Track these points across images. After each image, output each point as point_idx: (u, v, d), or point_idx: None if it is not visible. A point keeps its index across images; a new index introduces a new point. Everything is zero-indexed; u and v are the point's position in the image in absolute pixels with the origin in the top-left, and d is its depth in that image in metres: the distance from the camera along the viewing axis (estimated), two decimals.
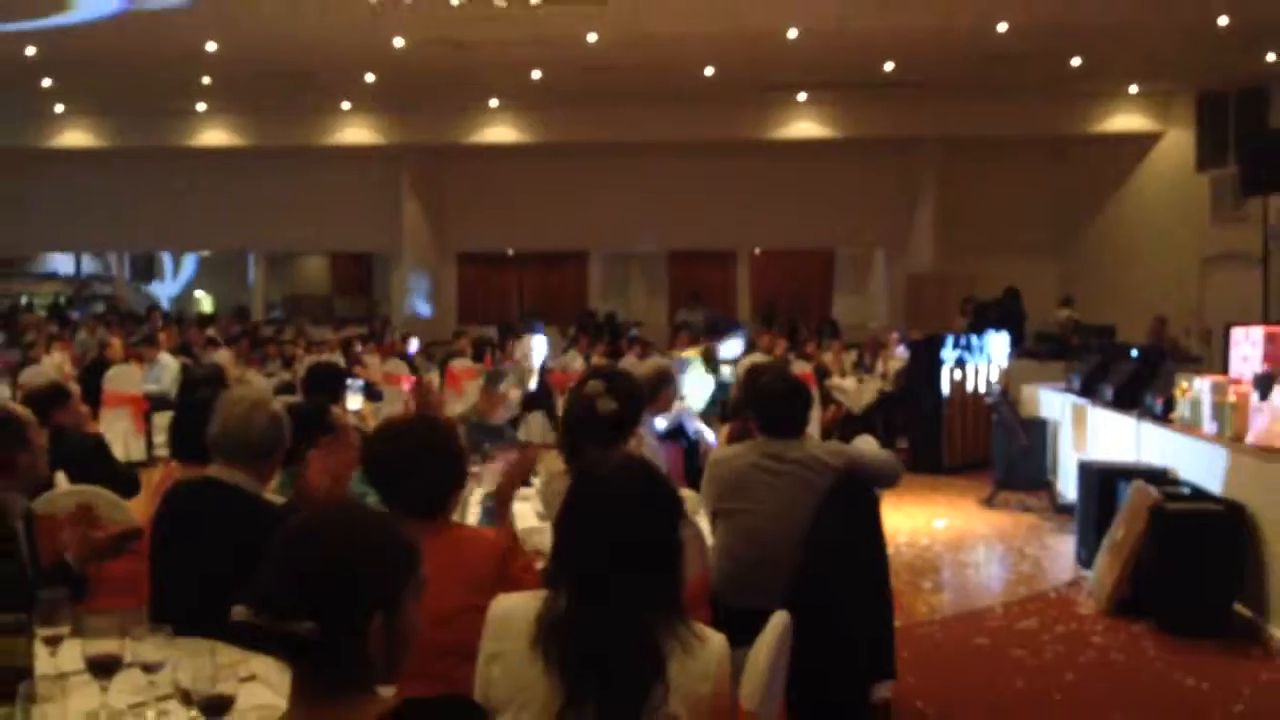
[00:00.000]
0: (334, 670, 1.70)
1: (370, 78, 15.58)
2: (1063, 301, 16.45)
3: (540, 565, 3.78)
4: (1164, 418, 7.66)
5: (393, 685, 1.78)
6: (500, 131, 18.35)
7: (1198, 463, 6.96)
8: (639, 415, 3.95)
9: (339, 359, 12.68)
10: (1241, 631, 6.11)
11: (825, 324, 17.25)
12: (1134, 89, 17.12)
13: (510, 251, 21.23)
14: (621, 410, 3.88)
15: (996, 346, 12.65)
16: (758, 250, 20.73)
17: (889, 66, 15.10)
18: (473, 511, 4.40)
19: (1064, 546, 8.27)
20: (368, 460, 3.05)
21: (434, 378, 12.64)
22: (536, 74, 15.38)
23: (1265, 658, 5.75)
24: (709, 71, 15.26)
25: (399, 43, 13.37)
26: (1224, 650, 5.88)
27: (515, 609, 2.31)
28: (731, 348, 8.33)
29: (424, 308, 20.12)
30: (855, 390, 13.26)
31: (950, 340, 12.17)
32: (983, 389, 12.02)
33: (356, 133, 18.49)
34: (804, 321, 17.57)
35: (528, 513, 4.41)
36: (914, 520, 9.26)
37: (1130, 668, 5.69)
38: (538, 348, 11.42)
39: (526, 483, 5.10)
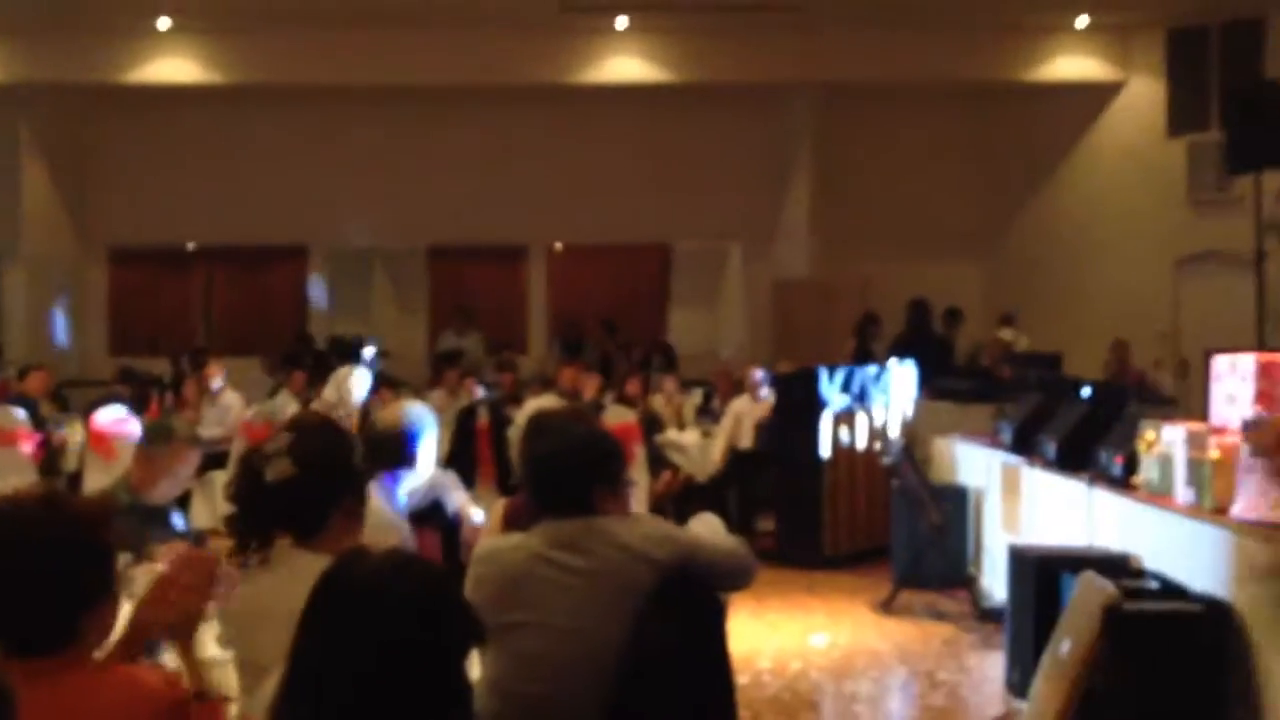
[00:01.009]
0: None
1: None
2: (1002, 320, 16.98)
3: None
4: (1124, 482, 7.96)
5: None
6: (173, 66, 18.00)
7: (1170, 545, 7.23)
8: (335, 488, 3.85)
9: None
10: None
11: (656, 352, 17.39)
12: (1083, 21, 17.80)
13: (191, 246, 20.80)
14: (302, 479, 3.83)
15: (899, 384, 12.99)
16: (559, 246, 20.81)
17: None
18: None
19: (990, 668, 8.49)
20: None
21: (71, 435, 12.25)
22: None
23: None
24: None
25: None
26: None
27: None
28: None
29: (57, 329, 19.52)
30: (699, 448, 13.43)
31: (835, 376, 12.43)
32: (879, 446, 12.31)
33: None
34: (624, 349, 17.67)
35: (206, 636, 4.32)
36: (782, 636, 9.39)
37: None
38: (359, 384, 11.46)
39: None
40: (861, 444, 12.44)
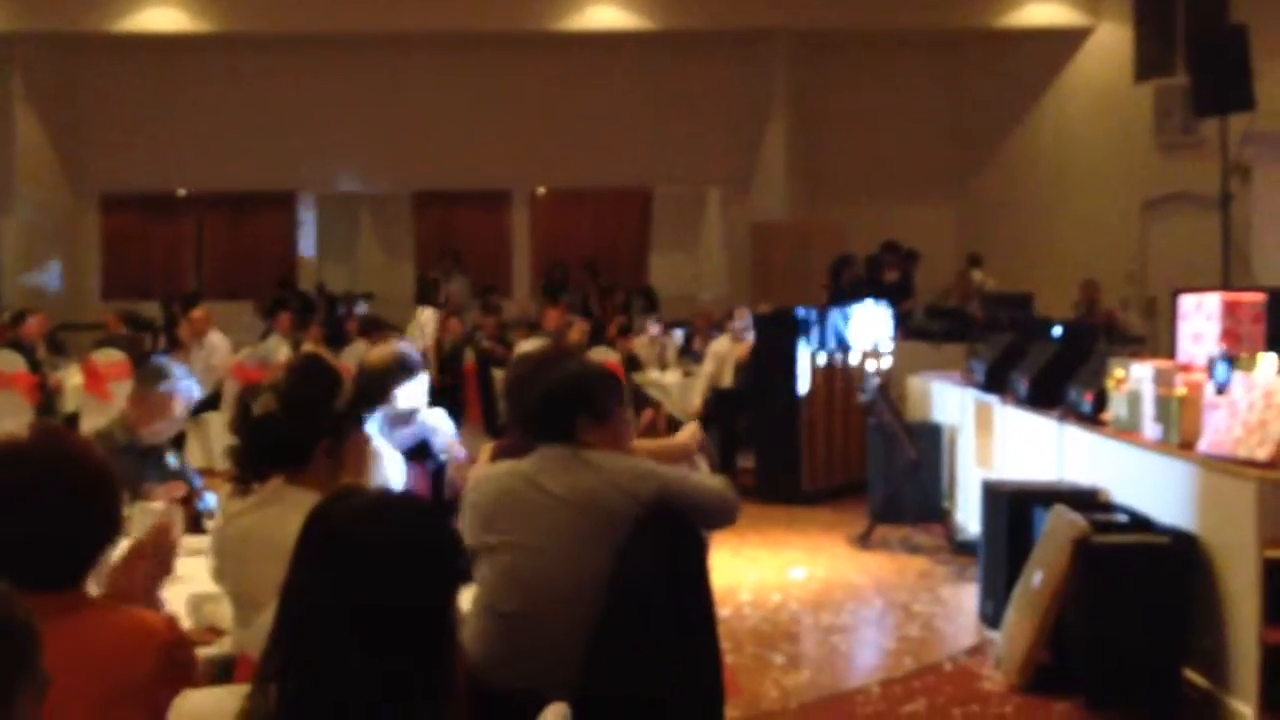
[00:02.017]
0: None
1: None
2: (969, 261, 17.04)
3: (211, 647, 3.74)
4: (1094, 419, 8.00)
5: None
6: (162, 16, 17.89)
7: (1136, 480, 7.28)
8: (313, 426, 3.86)
9: None
10: (1193, 706, 6.43)
11: (638, 294, 17.43)
12: None
13: (182, 192, 20.75)
14: (282, 415, 3.83)
15: (870, 324, 13.00)
16: (541, 190, 20.78)
17: None
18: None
19: (964, 600, 8.54)
20: None
21: (67, 377, 12.23)
22: None
23: None
24: None
25: None
26: None
27: (207, 711, 2.27)
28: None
29: (50, 274, 19.45)
30: (681, 387, 13.45)
31: (811, 316, 12.44)
32: (855, 384, 12.34)
33: None
34: (607, 292, 17.69)
35: (199, 572, 4.32)
36: (762, 570, 9.42)
37: None
38: (429, 324, 11.83)
39: (199, 527, 5.01)
40: (838, 383, 12.45)
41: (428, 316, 13.23)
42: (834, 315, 12.69)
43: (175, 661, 2.80)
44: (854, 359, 12.60)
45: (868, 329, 12.86)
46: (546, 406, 4.47)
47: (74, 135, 19.49)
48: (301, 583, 2.28)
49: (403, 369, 5.71)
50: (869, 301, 13.26)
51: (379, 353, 6.15)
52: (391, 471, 5.00)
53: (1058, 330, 10.65)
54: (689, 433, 5.01)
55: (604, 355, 12.47)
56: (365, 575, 2.24)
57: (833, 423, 12.41)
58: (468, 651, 4.04)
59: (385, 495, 2.48)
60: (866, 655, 7.82)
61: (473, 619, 4.20)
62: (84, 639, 2.71)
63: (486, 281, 18.62)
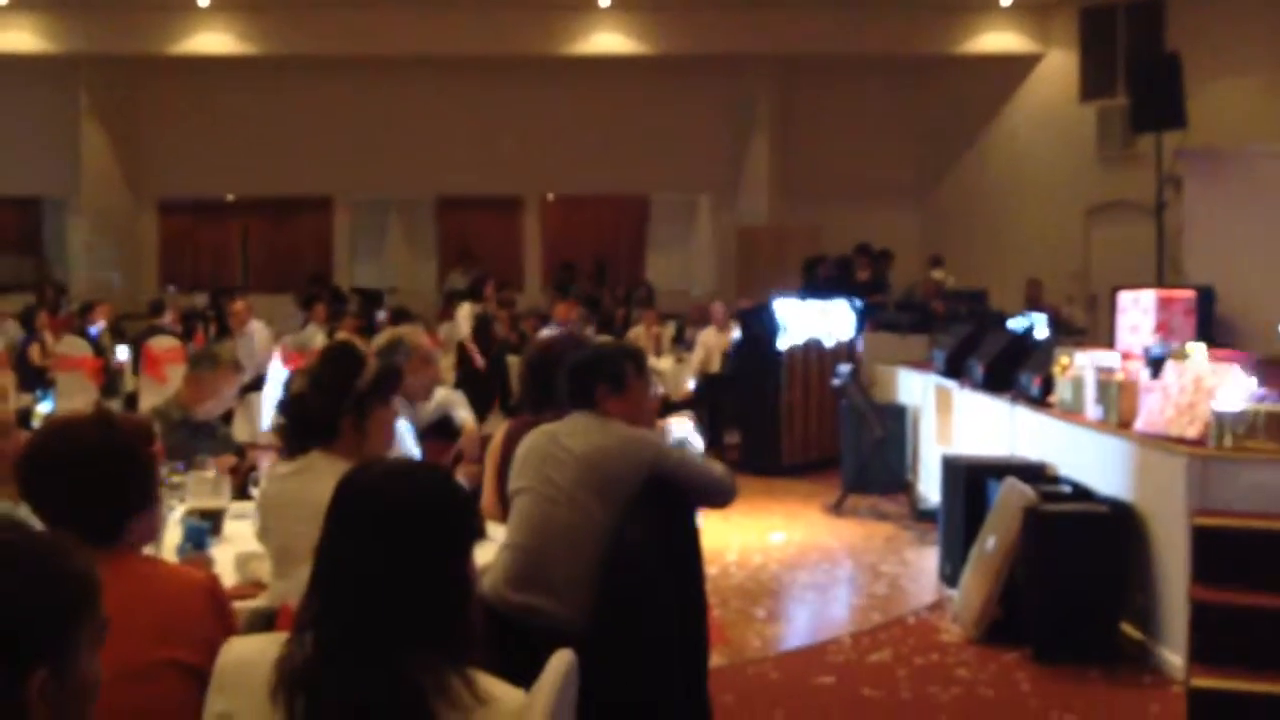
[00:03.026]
0: None
1: None
2: (932, 261, 17.02)
3: (258, 600, 3.73)
4: (1042, 401, 8.01)
5: None
6: (213, 40, 17.82)
7: (1079, 455, 7.32)
8: (336, 403, 3.88)
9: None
10: (1129, 656, 6.45)
11: (637, 289, 17.42)
12: (1007, 1, 17.81)
13: (230, 197, 20.70)
14: (310, 394, 3.86)
15: (843, 316, 13.01)
16: (551, 197, 20.75)
17: None
18: (173, 534, 4.29)
19: (926, 561, 8.57)
20: (20, 469, 2.93)
21: (126, 360, 12.25)
22: None
23: (1156, 686, 6.09)
24: None
25: None
26: (1109, 680, 6.20)
27: (252, 656, 2.28)
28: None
29: (113, 270, 19.43)
30: (674, 372, 13.45)
31: (790, 307, 12.44)
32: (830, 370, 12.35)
33: (17, 37, 17.68)
34: (610, 287, 17.69)
35: (246, 532, 4.32)
36: (745, 534, 9.44)
37: (1002, 705, 5.94)
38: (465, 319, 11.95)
39: (245, 494, 5.00)
40: (814, 369, 12.46)
41: (465, 312, 13.12)
42: (809, 308, 12.70)
43: (219, 602, 2.87)
44: (828, 347, 12.61)
45: (838, 321, 12.88)
46: (572, 377, 4.59)
47: (134, 146, 19.43)
48: (333, 540, 2.28)
49: (392, 350, 5.68)
50: (840, 298, 13.27)
51: (382, 336, 6.19)
52: (410, 444, 5.01)
53: (1014, 323, 10.59)
54: (680, 423, 5.06)
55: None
56: (388, 533, 2.24)
57: (809, 404, 12.43)
58: (486, 579, 4.14)
59: (406, 463, 2.49)
60: (838, 610, 7.84)
61: (497, 554, 4.34)
62: (140, 584, 2.75)
63: (502, 278, 18.61)
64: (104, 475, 2.85)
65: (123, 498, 2.88)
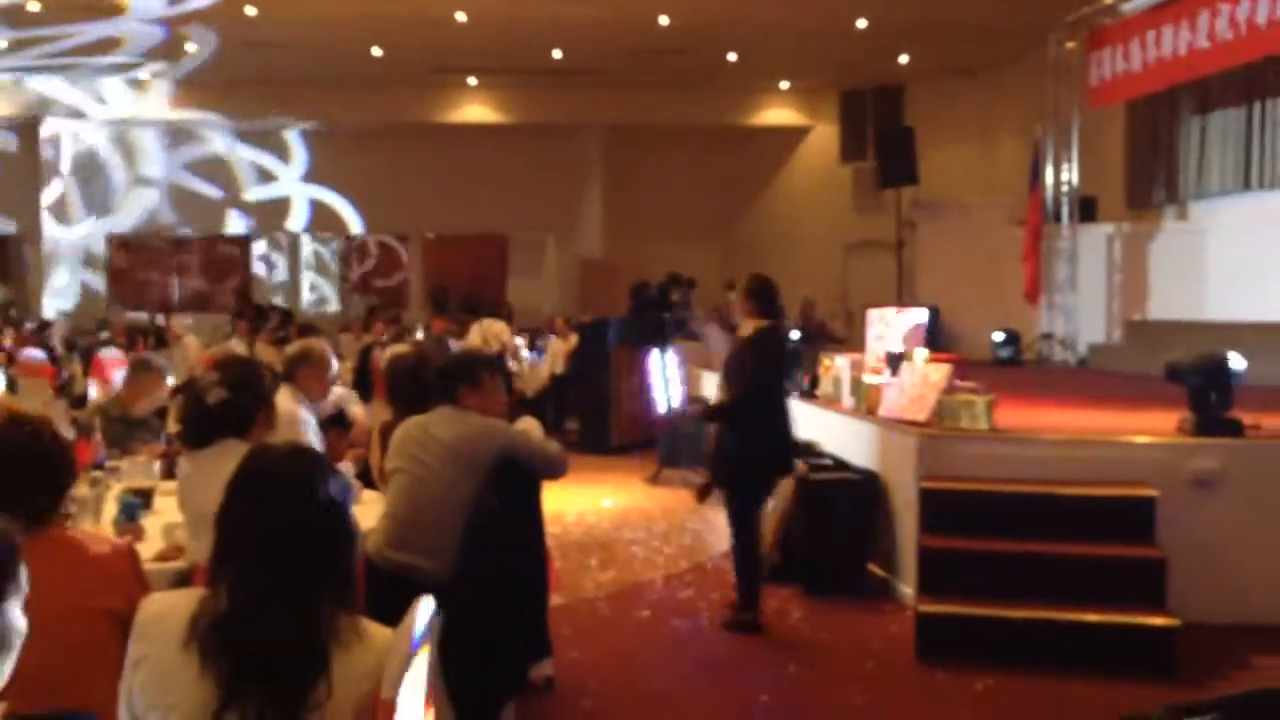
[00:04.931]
0: None
1: None
2: (728, 286, 17.20)
3: (180, 561, 3.63)
4: (811, 394, 8.17)
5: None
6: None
7: (839, 435, 7.47)
8: (255, 406, 3.79)
9: None
10: (875, 590, 6.61)
11: (500, 308, 17.31)
12: (785, 85, 18.15)
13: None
14: (235, 401, 3.76)
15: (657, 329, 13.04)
16: (430, 235, 20.57)
17: (558, 54, 15.32)
18: (110, 509, 4.14)
19: (722, 519, 8.60)
20: None
21: (77, 367, 11.79)
22: (191, 46, 14.60)
23: (895, 612, 6.23)
24: (377, 52, 14.97)
25: None
26: (859, 608, 6.34)
27: (167, 609, 2.19)
28: None
29: (70, 294, 18.76)
30: (528, 373, 13.38)
31: (617, 324, 12.50)
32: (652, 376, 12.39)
33: None
34: (475, 308, 17.55)
35: (172, 506, 4.20)
36: (581, 500, 9.43)
37: (778, 627, 6.04)
38: (504, 330, 11.69)
39: (173, 475, 4.85)
40: (637, 368, 12.50)
41: (500, 328, 12.25)
42: (633, 324, 12.76)
43: (137, 565, 2.83)
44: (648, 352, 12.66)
45: (654, 333, 12.93)
46: (439, 378, 4.57)
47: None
48: (233, 507, 2.23)
49: (302, 357, 5.55)
50: (659, 315, 13.33)
51: (292, 346, 6.07)
52: (312, 434, 4.90)
53: (795, 335, 10.73)
54: (528, 424, 5.01)
55: (492, 329, 12.14)
56: (278, 502, 2.19)
57: (634, 397, 12.47)
58: (370, 541, 4.08)
59: (296, 448, 2.43)
60: (654, 558, 7.85)
61: (378, 521, 4.27)
62: (77, 550, 2.69)
63: (391, 299, 18.44)
64: (35, 468, 2.73)
65: (51, 480, 2.77)
